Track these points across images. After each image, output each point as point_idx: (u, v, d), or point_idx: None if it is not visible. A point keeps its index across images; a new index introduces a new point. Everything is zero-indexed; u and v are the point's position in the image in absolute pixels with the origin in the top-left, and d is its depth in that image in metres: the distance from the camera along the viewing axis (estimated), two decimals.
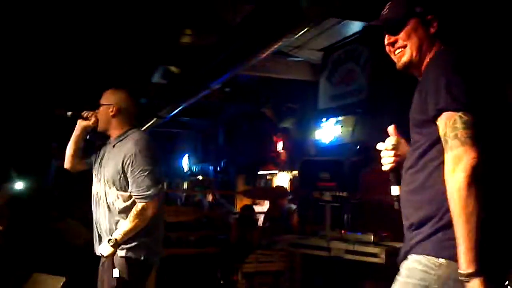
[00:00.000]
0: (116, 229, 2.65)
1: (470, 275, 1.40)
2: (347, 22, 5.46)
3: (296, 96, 8.28)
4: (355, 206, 5.23)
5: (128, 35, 6.00)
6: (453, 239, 1.44)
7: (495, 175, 1.49)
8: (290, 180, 8.85)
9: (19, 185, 4.98)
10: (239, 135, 11.19)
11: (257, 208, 7.87)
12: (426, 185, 1.59)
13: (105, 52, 6.54)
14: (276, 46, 4.82)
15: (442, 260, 1.51)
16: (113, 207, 2.70)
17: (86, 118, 2.84)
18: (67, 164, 2.98)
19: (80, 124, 2.88)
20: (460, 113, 1.47)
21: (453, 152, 1.46)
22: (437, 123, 1.52)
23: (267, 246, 5.47)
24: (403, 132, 1.89)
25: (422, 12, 1.69)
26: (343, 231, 4.47)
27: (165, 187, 2.87)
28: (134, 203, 2.64)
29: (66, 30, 5.75)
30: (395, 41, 1.75)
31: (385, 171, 1.75)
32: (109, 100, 2.78)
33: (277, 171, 9.45)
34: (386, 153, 1.84)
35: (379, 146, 1.90)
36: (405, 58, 1.74)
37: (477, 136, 1.44)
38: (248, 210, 6.62)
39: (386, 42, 1.79)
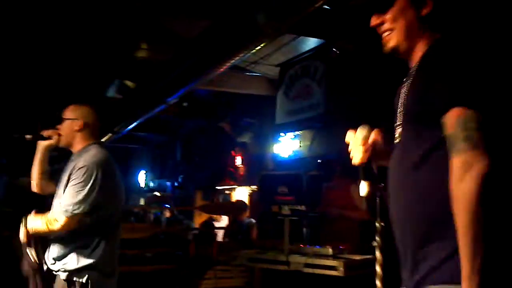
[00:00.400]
0: (60, 244, 2.59)
1: None
2: (303, 38, 5.54)
3: (253, 111, 8.31)
4: (314, 220, 5.26)
5: (82, 48, 5.89)
6: None
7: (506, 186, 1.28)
8: (249, 194, 8.85)
9: None
10: (197, 150, 11.12)
11: (216, 224, 7.81)
12: (430, 198, 1.36)
13: (59, 65, 6.40)
14: (233, 61, 4.84)
15: None
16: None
17: (48, 138, 2.78)
18: (36, 188, 2.88)
19: (41, 144, 2.80)
20: (474, 111, 1.25)
21: (462, 157, 1.23)
22: (444, 119, 1.29)
23: (226, 262, 5.42)
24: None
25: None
26: (301, 245, 4.48)
27: (118, 214, 2.75)
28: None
29: (17, 44, 5.60)
30: (382, 23, 1.52)
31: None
32: (74, 115, 2.74)
33: (235, 186, 9.42)
34: (356, 145, 1.63)
35: (348, 137, 1.66)
36: (391, 43, 1.53)
37: (490, 139, 1.23)
38: (207, 226, 6.56)
39: (372, 23, 1.56)
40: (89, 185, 2.51)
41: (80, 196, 2.50)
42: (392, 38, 1.52)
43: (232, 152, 9.32)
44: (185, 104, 8.56)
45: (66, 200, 2.52)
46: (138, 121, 7.66)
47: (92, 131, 2.76)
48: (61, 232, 2.55)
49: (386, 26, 1.52)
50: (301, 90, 6.04)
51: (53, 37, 5.46)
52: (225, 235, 6.96)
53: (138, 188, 13.59)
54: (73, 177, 2.55)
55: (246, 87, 6.96)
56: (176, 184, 11.86)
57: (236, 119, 8.73)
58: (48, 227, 2.53)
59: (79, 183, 2.52)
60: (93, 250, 2.57)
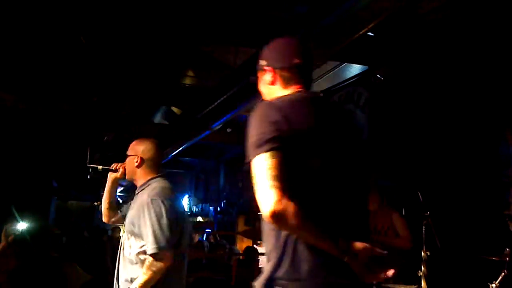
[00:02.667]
0: (131, 281, 2.60)
1: None
2: (346, 64, 5.56)
3: None
4: None
5: (130, 76, 6.10)
6: None
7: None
8: None
9: (21, 226, 4.97)
10: (240, 175, 11.18)
11: (260, 249, 7.79)
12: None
13: (109, 92, 6.63)
14: None
15: None
16: (129, 258, 2.66)
17: (115, 170, 2.97)
18: (104, 218, 3.06)
19: (110, 176, 3.00)
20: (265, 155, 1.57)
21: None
22: None
23: None
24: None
25: (264, 65, 1.89)
26: None
27: (185, 242, 2.77)
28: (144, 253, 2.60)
29: (67, 72, 5.85)
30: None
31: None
32: (134, 151, 2.86)
33: None
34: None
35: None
36: None
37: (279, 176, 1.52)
38: (250, 251, 6.54)
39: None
40: (160, 217, 2.57)
41: (159, 229, 2.54)
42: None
43: None
44: (229, 130, 8.68)
45: (149, 237, 2.54)
46: (183, 146, 7.80)
47: (153, 166, 2.84)
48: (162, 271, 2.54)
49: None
50: None
51: (104, 65, 5.68)
52: None
53: (188, 217, 13.70)
54: (142, 217, 2.60)
55: None
56: (218, 209, 11.93)
57: None
58: (152, 272, 2.52)
59: (150, 219, 2.57)
60: (164, 279, 2.59)
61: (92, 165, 3.05)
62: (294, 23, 4.11)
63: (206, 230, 11.16)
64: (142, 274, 2.54)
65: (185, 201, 13.85)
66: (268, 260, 1.64)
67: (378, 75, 5.55)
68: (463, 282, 4.24)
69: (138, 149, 2.86)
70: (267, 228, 1.67)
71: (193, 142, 7.52)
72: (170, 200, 2.67)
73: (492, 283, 3.36)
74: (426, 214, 3.70)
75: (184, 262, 2.76)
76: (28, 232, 5.21)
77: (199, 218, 12.95)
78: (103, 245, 7.57)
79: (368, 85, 5.62)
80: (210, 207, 12.45)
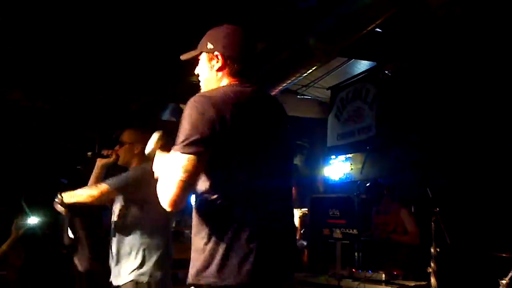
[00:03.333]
0: (119, 252, 2.75)
1: None
2: (354, 61, 5.54)
3: (304, 134, 8.31)
4: (366, 244, 5.18)
5: (138, 73, 6.11)
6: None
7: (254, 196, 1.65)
8: (300, 217, 8.79)
9: (32, 220, 5.00)
10: None
11: None
12: None
13: (116, 89, 6.65)
14: (284, 85, 4.90)
15: None
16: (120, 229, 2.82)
17: (107, 156, 3.04)
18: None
19: (100, 161, 3.08)
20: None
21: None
22: None
23: None
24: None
25: (212, 49, 1.85)
26: (354, 269, 4.41)
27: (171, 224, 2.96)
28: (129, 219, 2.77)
29: (76, 70, 5.88)
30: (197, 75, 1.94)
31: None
32: (134, 139, 2.98)
33: None
34: None
35: None
36: (202, 88, 1.94)
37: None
38: None
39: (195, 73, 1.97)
40: (134, 174, 2.82)
41: (126, 178, 2.79)
42: (200, 85, 1.96)
43: None
44: None
45: (113, 177, 2.79)
46: None
47: None
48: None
49: (197, 75, 1.97)
50: (352, 113, 6.01)
51: (112, 62, 5.70)
52: None
53: (190, 210, 13.77)
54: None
55: (297, 110, 6.99)
56: None
57: None
58: (90, 195, 2.75)
59: (127, 172, 2.85)
60: (160, 263, 2.78)
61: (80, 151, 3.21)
62: (301, 19, 4.10)
63: None
64: (85, 190, 2.81)
65: (193, 198, 13.87)
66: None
67: (386, 71, 5.54)
68: (473, 278, 4.22)
69: (138, 138, 2.96)
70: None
71: None
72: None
73: (502, 279, 3.34)
74: (436, 210, 3.68)
75: (170, 241, 2.89)
76: (38, 227, 5.24)
77: None
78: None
79: (376, 81, 5.60)
80: None
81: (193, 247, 1.72)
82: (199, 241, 1.68)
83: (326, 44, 4.03)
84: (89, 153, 3.08)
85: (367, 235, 5.17)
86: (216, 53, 1.84)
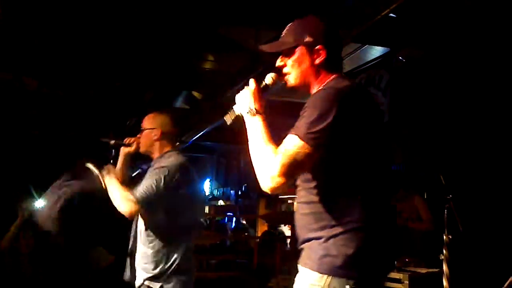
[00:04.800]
0: (145, 255, 2.65)
1: None
2: (367, 47, 5.50)
3: None
4: None
5: (150, 61, 6.13)
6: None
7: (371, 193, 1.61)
8: None
9: (39, 203, 5.05)
10: None
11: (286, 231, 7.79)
12: None
13: (128, 77, 6.68)
14: None
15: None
16: (142, 232, 2.70)
17: (128, 145, 2.94)
18: None
19: (123, 150, 2.98)
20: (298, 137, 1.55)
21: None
22: None
23: (289, 271, 5.44)
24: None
25: (311, 42, 1.73)
26: None
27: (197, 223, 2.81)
28: (160, 228, 2.64)
29: (90, 58, 5.91)
30: (284, 66, 1.82)
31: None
32: (153, 124, 2.83)
33: None
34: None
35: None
36: (289, 83, 1.82)
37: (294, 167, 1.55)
38: (269, 235, 6.58)
39: (276, 64, 1.85)
40: (160, 183, 2.57)
41: (152, 189, 2.54)
42: (289, 80, 1.82)
43: None
44: None
45: (139, 190, 2.56)
46: (204, 131, 7.84)
47: (170, 139, 2.85)
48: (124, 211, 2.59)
49: (286, 69, 1.81)
50: None
51: (124, 50, 5.72)
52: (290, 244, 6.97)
53: (203, 197, 13.86)
54: (152, 173, 2.63)
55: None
56: (240, 192, 12.00)
57: None
58: (118, 204, 2.59)
59: (154, 179, 2.58)
60: (185, 266, 2.66)
61: (104, 139, 3.02)
62: (315, 4, 4.07)
63: (228, 214, 11.26)
64: (117, 188, 2.64)
65: (207, 185, 13.97)
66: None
67: (399, 57, 5.49)
68: (485, 266, 4.21)
69: (157, 122, 2.84)
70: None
71: (214, 126, 7.55)
72: (185, 173, 2.68)
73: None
74: (448, 197, 3.67)
75: (191, 247, 2.77)
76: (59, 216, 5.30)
77: (221, 202, 13.05)
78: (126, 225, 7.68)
79: (390, 68, 5.56)
80: (231, 191, 12.53)
81: (307, 244, 1.65)
82: (314, 235, 1.63)
83: (341, 29, 4.01)
84: (112, 142, 2.98)
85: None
86: (318, 47, 1.73)
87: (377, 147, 1.69)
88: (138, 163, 3.13)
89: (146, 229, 2.68)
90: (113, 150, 3.03)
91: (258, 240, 6.89)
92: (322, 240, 1.59)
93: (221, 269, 6.03)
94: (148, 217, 2.66)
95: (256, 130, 1.69)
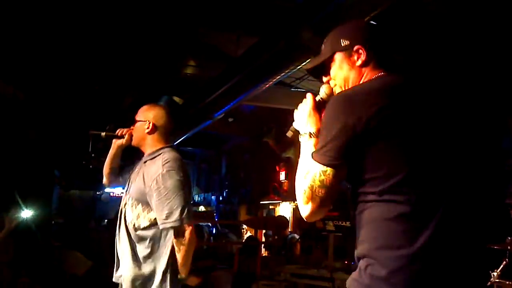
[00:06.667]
0: (133, 252, 2.53)
1: None
2: None
3: None
4: None
5: (132, 66, 6.10)
6: None
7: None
8: (293, 209, 8.84)
9: (25, 213, 4.96)
10: (242, 165, 11.22)
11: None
12: None
13: (108, 81, 6.63)
14: (278, 78, 4.89)
15: None
16: (132, 227, 2.57)
17: (121, 137, 2.82)
18: (105, 181, 2.95)
19: (115, 143, 2.86)
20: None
21: None
22: None
23: (269, 277, 5.43)
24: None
25: (348, 45, 1.64)
26: (346, 262, 4.44)
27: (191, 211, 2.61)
28: (155, 226, 2.51)
29: (69, 62, 5.85)
30: (330, 80, 1.72)
31: None
32: (146, 117, 2.69)
33: (280, 201, 9.44)
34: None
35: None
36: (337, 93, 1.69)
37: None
38: (251, 241, 6.57)
39: (324, 79, 1.74)
40: (177, 188, 2.46)
41: (176, 201, 2.44)
42: (336, 89, 1.69)
43: (277, 167, 9.35)
44: (230, 119, 8.69)
45: (165, 210, 2.44)
46: (185, 136, 7.81)
47: (164, 134, 2.71)
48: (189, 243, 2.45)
49: (332, 82, 1.70)
50: None
51: (106, 54, 5.69)
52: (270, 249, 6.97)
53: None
54: (156, 189, 2.48)
55: (291, 103, 6.96)
56: (221, 198, 11.98)
57: (281, 134, 8.77)
58: (185, 246, 2.44)
59: (167, 191, 2.45)
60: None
61: (94, 132, 2.87)
62: (295, 12, 4.10)
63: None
64: (176, 253, 2.46)
65: None
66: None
67: None
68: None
69: (150, 114, 2.70)
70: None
71: (195, 132, 7.53)
72: (184, 172, 2.55)
73: (493, 271, 3.37)
74: None
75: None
76: (32, 220, 5.23)
77: (202, 208, 13.01)
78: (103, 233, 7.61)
79: None
80: (213, 197, 12.50)
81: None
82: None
83: (321, 37, 4.03)
84: (103, 133, 2.83)
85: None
86: (356, 47, 1.62)
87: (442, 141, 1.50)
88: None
89: (140, 226, 2.55)
90: (91, 143, 2.92)
91: (240, 245, 6.88)
92: None
93: (201, 274, 5.99)
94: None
95: (308, 154, 1.54)
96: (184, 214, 2.42)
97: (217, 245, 7.79)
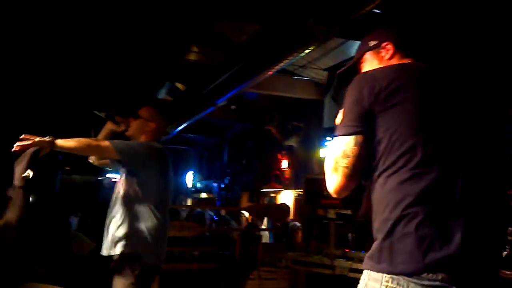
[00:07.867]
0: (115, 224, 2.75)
1: None
2: (351, 42, 5.53)
3: (301, 115, 8.33)
4: (360, 224, 5.24)
5: (135, 51, 6.08)
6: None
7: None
8: (295, 197, 8.86)
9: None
10: (244, 153, 11.23)
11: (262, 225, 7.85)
12: None
13: (111, 67, 6.63)
14: (281, 65, 4.89)
15: None
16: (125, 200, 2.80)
17: (117, 123, 3.05)
18: (90, 158, 3.13)
19: (109, 126, 3.08)
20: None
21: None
22: None
23: (270, 263, 5.46)
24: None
25: (376, 44, 1.72)
26: (347, 249, 4.47)
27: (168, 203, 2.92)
28: (135, 195, 2.75)
29: (72, 47, 5.85)
30: None
31: None
32: (152, 117, 3.01)
33: (281, 189, 9.46)
34: None
35: None
36: None
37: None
38: (252, 227, 6.60)
39: None
40: (136, 146, 2.80)
41: (129, 145, 2.77)
42: None
43: (279, 155, 9.36)
44: (233, 107, 8.68)
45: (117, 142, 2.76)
46: (187, 123, 7.82)
47: (157, 133, 3.04)
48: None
49: None
50: None
51: (107, 40, 5.68)
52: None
53: (186, 189, 13.83)
54: None
55: (293, 91, 6.99)
56: (222, 185, 12.01)
57: (283, 122, 8.77)
58: (86, 143, 2.68)
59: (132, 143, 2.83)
60: (147, 240, 2.73)
61: (96, 112, 3.16)
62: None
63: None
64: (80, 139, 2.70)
65: (190, 178, 13.93)
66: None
67: None
68: None
69: (156, 118, 3.03)
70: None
71: (197, 119, 7.54)
72: (160, 155, 2.84)
73: None
74: None
75: (167, 224, 2.86)
76: (34, 203, 5.25)
77: (203, 194, 13.04)
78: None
79: None
80: (214, 184, 12.53)
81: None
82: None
83: (324, 24, 4.02)
84: (103, 114, 3.09)
85: (362, 215, 5.23)
86: (384, 44, 1.70)
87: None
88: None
89: (125, 197, 2.78)
90: None
91: (240, 232, 6.91)
92: None
93: (203, 261, 6.03)
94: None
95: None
96: (119, 148, 2.70)
97: (218, 231, 7.82)
